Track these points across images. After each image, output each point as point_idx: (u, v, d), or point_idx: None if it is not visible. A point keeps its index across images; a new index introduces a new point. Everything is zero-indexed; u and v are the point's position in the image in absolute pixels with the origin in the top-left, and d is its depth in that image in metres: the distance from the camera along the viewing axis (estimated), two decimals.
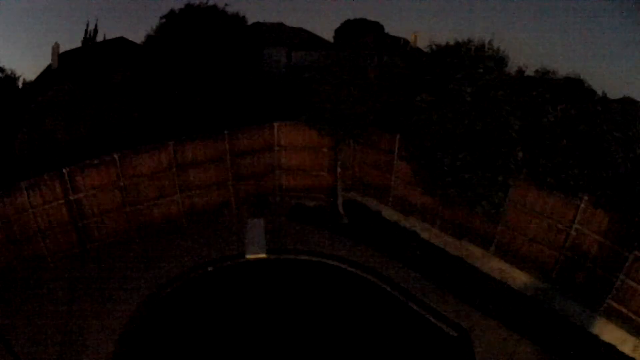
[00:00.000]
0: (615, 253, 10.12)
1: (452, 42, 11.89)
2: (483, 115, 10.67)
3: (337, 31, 24.91)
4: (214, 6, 17.46)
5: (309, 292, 11.68)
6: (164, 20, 17.05)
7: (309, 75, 13.12)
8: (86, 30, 20.73)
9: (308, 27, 26.15)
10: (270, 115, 14.61)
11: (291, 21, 27.19)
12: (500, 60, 11.53)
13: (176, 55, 16.11)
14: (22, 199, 11.47)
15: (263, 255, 12.55)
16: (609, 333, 10.23)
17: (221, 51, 16.65)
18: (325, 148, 14.34)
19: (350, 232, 13.63)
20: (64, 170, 11.76)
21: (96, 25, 21.18)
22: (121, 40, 19.52)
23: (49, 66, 18.08)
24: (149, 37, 17.28)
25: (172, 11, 17.03)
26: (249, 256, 12.46)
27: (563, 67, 12.23)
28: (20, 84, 17.67)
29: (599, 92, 13.11)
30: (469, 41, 11.82)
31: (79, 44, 20.76)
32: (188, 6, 17.20)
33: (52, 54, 17.63)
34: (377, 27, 25.12)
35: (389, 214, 14.33)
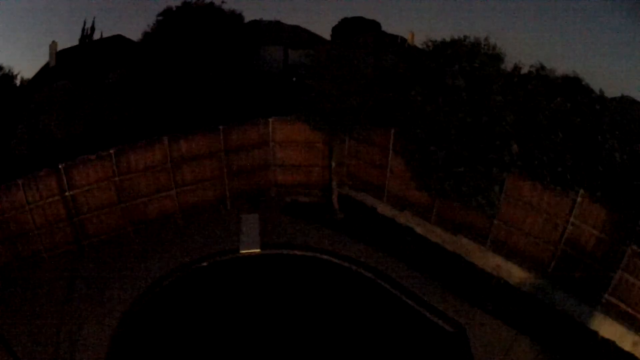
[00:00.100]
0: (612, 247, 9.99)
1: (448, 40, 11.96)
2: (477, 109, 10.69)
3: (334, 29, 24.95)
4: (211, 4, 17.58)
5: (303, 287, 11.69)
6: (161, 18, 17.17)
7: (304, 71, 13.18)
8: (83, 28, 20.86)
9: (305, 25, 26.20)
10: (265, 112, 14.65)
11: (288, 19, 27.22)
12: (496, 56, 11.55)
13: (173, 53, 16.19)
14: (18, 195, 11.49)
15: (257, 250, 12.59)
16: (608, 329, 10.13)
17: (217, 49, 16.73)
18: (319, 144, 14.36)
19: (345, 228, 13.62)
20: (60, 167, 11.78)
21: (93, 23, 21.31)
22: (118, 38, 19.61)
23: (47, 64, 18.16)
24: (146, 35, 17.37)
25: (169, 9, 17.15)
26: (242, 251, 12.50)
27: (562, 67, 12.23)
28: (18, 82, 17.71)
29: (597, 91, 13.07)
30: (465, 38, 11.86)
31: (76, 42, 20.87)
32: (185, 4, 17.31)
33: (50, 52, 17.71)
34: (374, 25, 25.16)
35: (384, 209, 14.33)
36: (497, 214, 11.79)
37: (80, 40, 20.76)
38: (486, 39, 11.73)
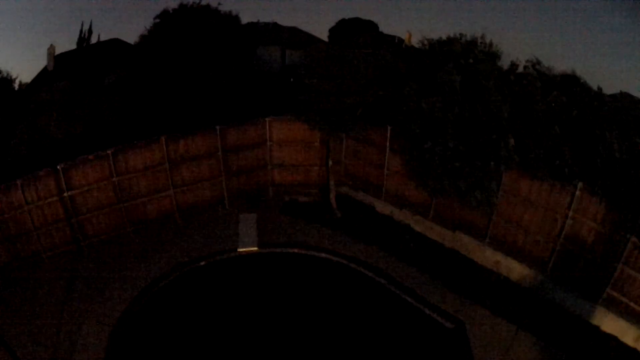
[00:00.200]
0: (613, 241, 9.91)
1: (444, 38, 12.01)
2: (473, 104, 10.71)
3: (332, 30, 25.00)
4: (207, 6, 17.65)
5: (301, 285, 11.69)
6: (157, 20, 17.23)
7: (302, 71, 13.21)
8: (81, 31, 20.94)
9: (303, 26, 26.27)
10: (263, 112, 14.69)
11: (286, 21, 27.31)
12: (492, 54, 11.58)
13: (169, 55, 16.26)
14: (17, 195, 11.53)
15: (254, 249, 12.60)
16: (610, 324, 10.04)
17: (214, 50, 16.79)
18: (317, 143, 14.39)
19: (343, 227, 13.63)
20: (58, 167, 11.82)
21: (90, 26, 21.37)
22: (116, 42, 19.70)
23: (45, 68, 18.24)
24: (143, 37, 17.44)
25: (165, 11, 17.22)
26: (240, 249, 12.51)
27: (562, 67, 12.25)
28: (16, 86, 17.74)
29: (595, 89, 13.06)
30: (461, 36, 11.92)
31: (74, 46, 20.98)
32: (182, 6, 17.38)
33: (48, 56, 17.78)
34: (371, 26, 25.21)
35: (382, 207, 14.34)
36: (495, 210, 11.77)
37: (78, 43, 20.86)
38: (482, 37, 11.79)
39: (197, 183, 13.85)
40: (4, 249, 11.64)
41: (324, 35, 25.77)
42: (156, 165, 13.01)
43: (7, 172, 12.95)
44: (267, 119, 14.17)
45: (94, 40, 21.55)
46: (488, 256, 12.16)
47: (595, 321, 10.24)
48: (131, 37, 20.10)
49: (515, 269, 11.64)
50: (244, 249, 12.56)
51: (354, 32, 24.14)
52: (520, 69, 12.47)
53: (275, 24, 24.95)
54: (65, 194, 12.05)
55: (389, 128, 13.09)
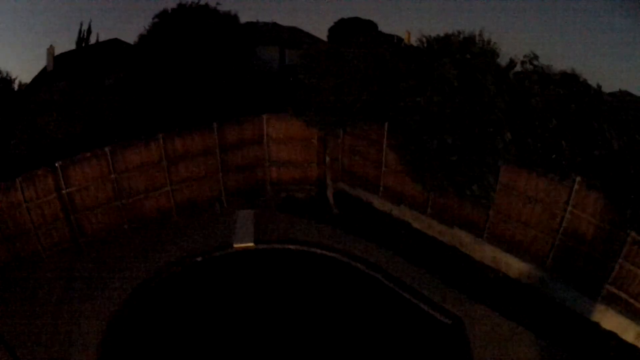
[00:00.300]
0: (612, 236, 9.76)
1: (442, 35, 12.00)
2: (469, 97, 10.68)
3: (331, 30, 25.03)
4: (206, 5, 17.70)
5: (297, 281, 11.66)
6: (156, 20, 17.30)
7: (299, 68, 13.21)
8: (80, 31, 21.05)
9: (302, 26, 26.34)
10: (262, 110, 14.71)
11: (285, 20, 27.37)
12: (490, 51, 11.55)
13: (168, 55, 16.31)
14: (16, 194, 11.56)
15: (251, 245, 12.59)
16: (610, 320, 9.91)
17: (213, 50, 16.83)
18: (314, 140, 14.41)
19: (341, 223, 13.61)
20: (56, 165, 11.85)
21: (89, 26, 21.49)
22: (115, 42, 19.80)
23: (45, 68, 18.33)
24: (142, 37, 17.50)
25: (164, 11, 17.28)
26: (236, 245, 12.50)
27: (562, 67, 12.21)
28: (16, 86, 17.83)
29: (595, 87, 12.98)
30: (459, 33, 11.90)
31: (73, 46, 21.08)
32: (180, 6, 17.44)
33: (48, 56, 17.87)
34: (371, 25, 25.21)
35: (379, 204, 14.32)
36: (493, 206, 11.70)
37: (77, 42, 20.96)
38: (480, 34, 11.76)
39: (194, 180, 13.89)
40: (4, 247, 11.63)
41: (323, 35, 25.80)
42: (153, 162, 13.05)
43: (6, 171, 13.00)
44: (264, 116, 14.20)
45: (93, 40, 21.69)
46: (486, 252, 12.10)
47: (595, 318, 10.12)
48: (130, 37, 20.22)
49: (514, 265, 11.57)
50: (240, 245, 12.56)
51: (354, 31, 24.17)
52: (518, 66, 12.47)
53: (274, 24, 25.02)
54: (63, 191, 12.08)
55: (386, 124, 13.08)
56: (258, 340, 9.92)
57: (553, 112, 11.01)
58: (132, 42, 18.80)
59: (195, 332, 10.16)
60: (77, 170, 12.17)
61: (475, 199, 11.29)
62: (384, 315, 10.73)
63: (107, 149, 12.32)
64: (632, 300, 9.61)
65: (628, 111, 11.87)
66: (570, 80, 15.18)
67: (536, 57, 12.84)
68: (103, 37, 21.62)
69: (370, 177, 14.36)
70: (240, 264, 12.32)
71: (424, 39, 12.44)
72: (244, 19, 19.22)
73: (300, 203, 14.60)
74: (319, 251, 12.66)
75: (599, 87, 12.51)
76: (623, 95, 20.52)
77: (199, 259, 12.42)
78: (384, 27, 25.39)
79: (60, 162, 11.90)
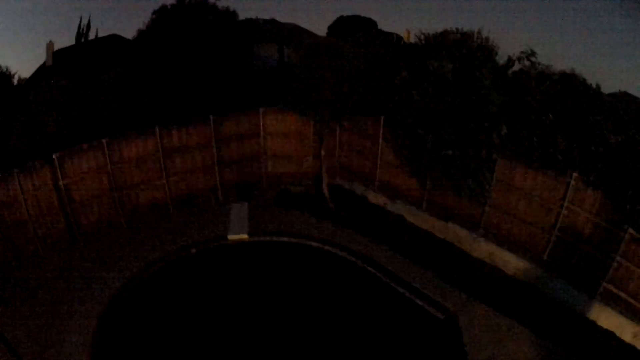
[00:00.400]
0: (610, 233, 9.65)
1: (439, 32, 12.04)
2: (465, 91, 10.69)
3: (331, 28, 25.13)
4: (205, 1, 17.79)
5: (291, 274, 11.67)
6: (155, 15, 17.39)
7: (296, 66, 13.27)
8: (79, 27, 21.16)
9: (302, 24, 26.43)
10: (258, 105, 14.74)
11: (285, 18, 27.47)
12: (488, 48, 11.55)
13: (167, 50, 16.38)
14: (13, 186, 11.56)
15: (245, 237, 12.61)
16: (607, 319, 9.79)
17: (211, 46, 16.90)
18: (310, 134, 14.44)
19: (336, 217, 13.62)
20: (53, 156, 11.89)
21: (89, 22, 21.61)
22: (114, 38, 19.88)
23: (44, 64, 18.42)
24: (141, 33, 17.59)
25: (163, 7, 17.37)
26: (230, 237, 12.52)
27: (562, 67, 12.19)
28: (15, 82, 17.93)
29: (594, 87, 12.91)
30: (457, 30, 11.93)
31: (73, 42, 21.18)
32: (179, 1, 17.53)
33: (47, 52, 17.95)
34: (370, 23, 25.30)
35: (375, 198, 14.32)
36: (489, 201, 11.66)
37: (76, 38, 21.07)
38: (478, 31, 11.77)
39: (190, 173, 13.90)
40: (1, 242, 11.61)
41: (323, 33, 25.89)
42: (149, 155, 13.07)
43: (5, 166, 13.06)
44: (260, 110, 14.23)
45: (92, 35, 21.79)
46: (482, 248, 12.03)
47: (592, 316, 9.99)
48: (129, 33, 20.30)
49: (510, 261, 11.47)
50: (234, 237, 12.58)
51: (353, 29, 24.23)
52: (517, 65, 12.43)
53: (273, 21, 25.10)
54: (60, 183, 12.12)
55: (382, 118, 13.10)
56: (251, 332, 9.92)
57: (550, 108, 10.99)
58: (131, 38, 18.88)
59: (189, 324, 10.15)
60: (74, 162, 12.18)
61: (471, 193, 11.27)
62: (377, 309, 10.71)
63: (104, 141, 12.35)
64: (630, 299, 9.49)
65: (627, 111, 11.82)
66: (570, 80, 15.16)
67: (533, 53, 12.84)
68: (102, 33, 21.83)
69: (366, 171, 14.36)
70: (235, 256, 12.32)
71: (422, 36, 12.51)
72: (243, 16, 19.35)
73: (295, 196, 14.61)
74: (314, 244, 12.66)
75: (598, 87, 12.48)
76: (622, 96, 20.50)
77: (193, 250, 12.43)
78: (384, 26, 25.53)
79: (57, 154, 11.94)
